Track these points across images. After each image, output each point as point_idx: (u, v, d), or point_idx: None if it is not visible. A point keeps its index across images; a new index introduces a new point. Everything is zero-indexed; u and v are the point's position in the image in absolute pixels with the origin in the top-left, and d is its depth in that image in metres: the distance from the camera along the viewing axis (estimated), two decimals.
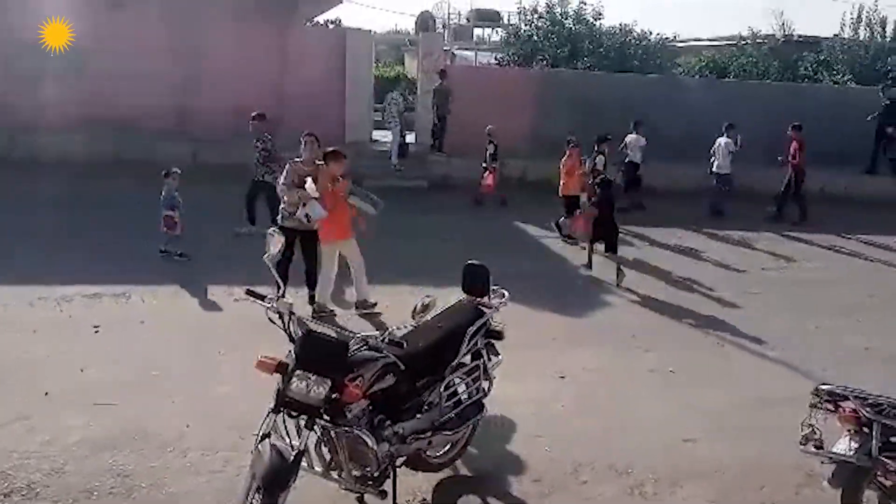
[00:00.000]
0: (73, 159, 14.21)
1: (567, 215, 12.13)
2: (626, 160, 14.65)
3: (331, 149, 7.93)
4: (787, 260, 11.83)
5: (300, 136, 8.27)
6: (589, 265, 10.39)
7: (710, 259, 11.62)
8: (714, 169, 14.69)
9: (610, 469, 5.37)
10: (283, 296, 4.44)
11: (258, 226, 10.63)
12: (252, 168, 11.21)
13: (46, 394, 5.98)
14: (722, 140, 14.56)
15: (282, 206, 8.14)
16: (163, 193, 10.12)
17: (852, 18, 29.13)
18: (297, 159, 8.10)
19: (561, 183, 12.43)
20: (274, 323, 4.29)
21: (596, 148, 12.39)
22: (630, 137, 14.65)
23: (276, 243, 4.59)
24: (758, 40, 27.48)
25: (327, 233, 8.02)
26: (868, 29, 28.90)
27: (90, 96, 15.27)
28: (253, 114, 11.32)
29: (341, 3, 18.92)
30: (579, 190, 11.95)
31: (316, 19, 22.89)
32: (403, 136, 16.85)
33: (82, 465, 5.01)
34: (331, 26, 26.10)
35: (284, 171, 8.08)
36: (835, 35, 27.72)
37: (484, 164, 14.53)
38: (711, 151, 14.71)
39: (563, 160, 12.50)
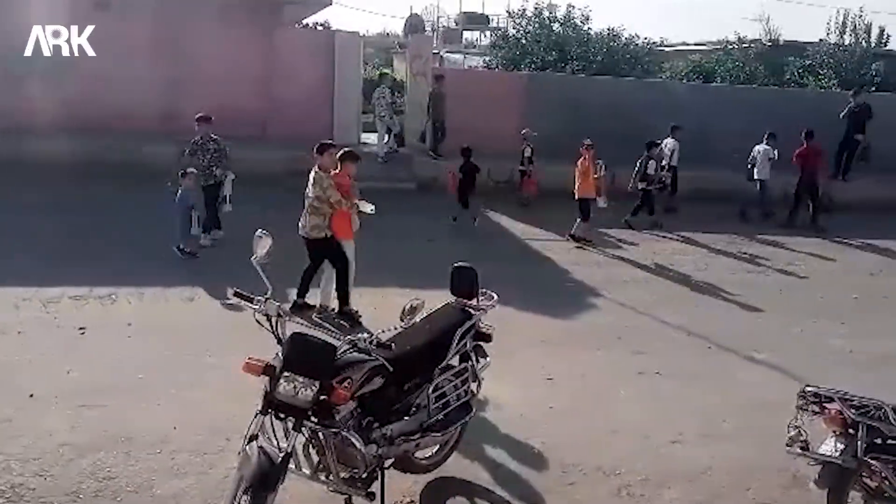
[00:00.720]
0: (58, 161, 14.06)
1: (583, 219, 12.15)
2: (667, 164, 14.62)
3: (347, 149, 8.27)
4: (772, 263, 11.89)
5: (314, 147, 8.13)
6: None
7: (698, 262, 11.67)
8: (756, 176, 14.74)
9: (598, 470, 5.38)
10: (270, 297, 4.43)
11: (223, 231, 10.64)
12: (202, 173, 10.54)
13: (31, 396, 5.94)
14: (760, 147, 14.68)
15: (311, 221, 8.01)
16: (178, 193, 10.07)
17: (838, 24, 29.29)
18: (319, 171, 7.98)
19: (576, 185, 12.22)
20: (261, 325, 4.27)
21: (647, 153, 12.99)
22: (669, 141, 14.70)
23: (263, 245, 4.57)
24: (744, 45, 27.64)
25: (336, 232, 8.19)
26: (853, 34, 29.08)
27: (75, 98, 15.13)
28: (198, 115, 10.89)
29: (330, 4, 18.82)
30: (594, 193, 12.02)
31: (305, 21, 22.84)
32: (397, 128, 16.87)
33: (67, 467, 4.98)
34: (319, 28, 26.04)
35: (324, 187, 7.86)
36: (820, 40, 27.88)
37: (521, 168, 14.71)
38: (750, 159, 14.80)
39: (578, 161, 12.33)
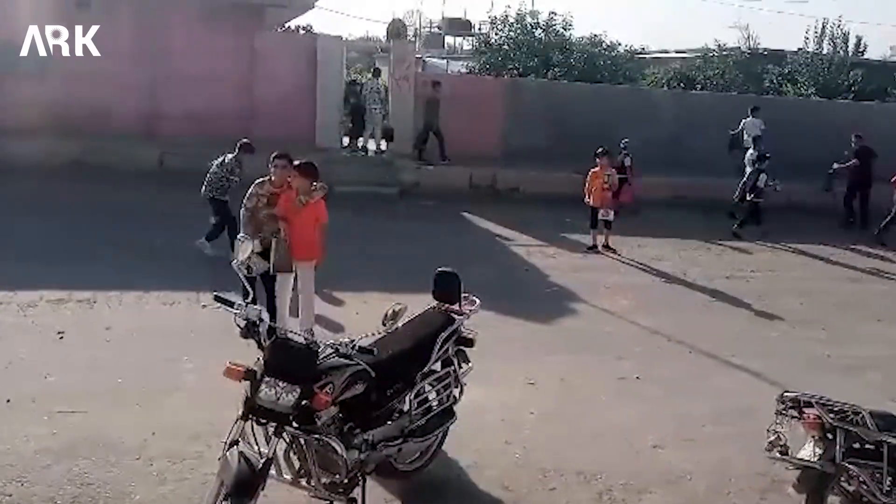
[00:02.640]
0: (38, 163, 13.95)
1: (592, 227, 12.16)
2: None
3: (303, 161, 7.42)
4: (751, 268, 11.99)
5: (270, 157, 7.68)
6: None
7: (676, 268, 11.73)
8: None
9: (579, 476, 5.39)
10: (252, 302, 4.40)
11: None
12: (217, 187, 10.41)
13: (8, 401, 5.85)
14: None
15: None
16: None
17: (816, 33, 29.71)
18: (261, 179, 7.57)
19: (590, 193, 12.03)
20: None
21: (757, 165, 13.51)
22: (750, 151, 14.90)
23: (244, 249, 4.55)
24: (724, 53, 27.92)
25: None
26: (831, 43, 29.49)
27: (55, 99, 15.02)
28: (243, 141, 10.51)
29: (312, 8, 18.82)
30: (599, 204, 11.91)
31: (287, 25, 22.79)
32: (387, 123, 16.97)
33: (45, 473, 4.91)
34: (302, 32, 25.97)
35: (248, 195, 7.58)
36: (799, 49, 28.24)
37: (622, 177, 14.05)
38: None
39: (592, 171, 12.11)
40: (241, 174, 10.16)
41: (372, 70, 17.20)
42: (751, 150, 14.78)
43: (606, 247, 12.21)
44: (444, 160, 16.38)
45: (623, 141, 14.75)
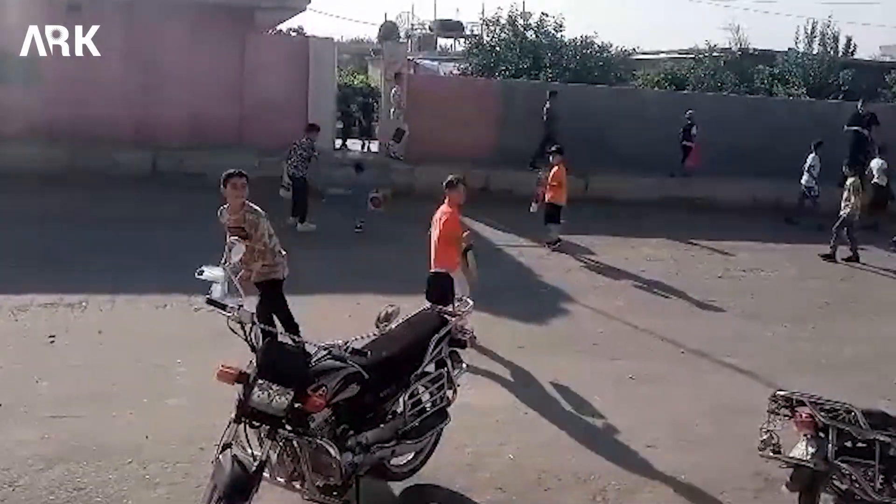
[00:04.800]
0: (27, 168, 13.88)
1: (547, 221, 12.22)
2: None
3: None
4: (743, 268, 12.01)
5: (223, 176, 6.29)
6: None
7: (668, 268, 11.76)
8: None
9: (573, 476, 5.40)
10: (244, 305, 4.40)
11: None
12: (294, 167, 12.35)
13: (0, 406, 5.83)
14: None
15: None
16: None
17: (806, 33, 29.86)
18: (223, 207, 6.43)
19: (549, 193, 12.06)
20: (235, 332, 4.24)
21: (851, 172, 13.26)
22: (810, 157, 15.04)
23: (236, 252, 4.56)
24: (714, 53, 28.01)
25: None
26: (821, 43, 29.63)
27: (46, 104, 14.96)
28: (309, 124, 12.91)
29: (304, 11, 18.78)
30: (558, 199, 11.97)
31: (279, 27, 22.76)
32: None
33: (37, 478, 4.90)
34: (294, 35, 25.97)
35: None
36: (789, 49, 28.36)
37: (686, 143, 16.56)
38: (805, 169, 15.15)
39: (553, 169, 12.18)
40: (318, 150, 12.64)
41: (395, 74, 17.08)
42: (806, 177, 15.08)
43: (557, 243, 12.25)
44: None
45: (688, 112, 16.52)
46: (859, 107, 16.72)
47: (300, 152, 12.28)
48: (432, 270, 5.25)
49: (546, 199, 12.13)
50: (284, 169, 12.40)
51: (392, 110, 16.71)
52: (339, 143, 18.14)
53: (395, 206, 14.64)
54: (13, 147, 14.37)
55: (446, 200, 7.48)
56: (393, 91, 16.69)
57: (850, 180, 12.80)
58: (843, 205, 12.67)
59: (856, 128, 16.32)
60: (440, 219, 7.33)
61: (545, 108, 16.32)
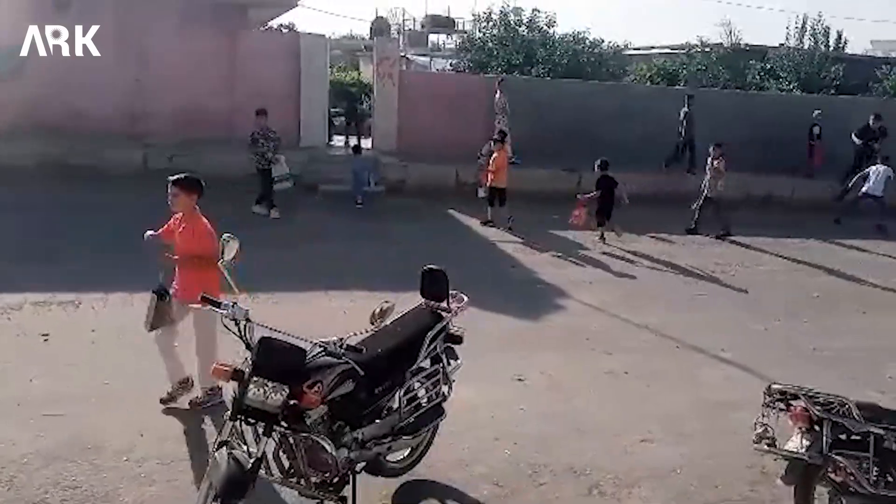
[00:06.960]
0: (19, 163, 13.81)
1: (490, 205, 13.35)
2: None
3: (181, 176, 6.12)
4: (736, 263, 12.05)
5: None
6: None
7: (661, 263, 11.80)
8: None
9: (568, 471, 5.41)
10: (238, 302, 4.38)
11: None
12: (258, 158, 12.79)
13: None
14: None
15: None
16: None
17: (797, 28, 29.91)
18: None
19: (490, 177, 13.26)
20: (230, 330, 4.23)
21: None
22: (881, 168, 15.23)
23: (231, 249, 4.54)
24: (706, 48, 28.05)
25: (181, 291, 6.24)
26: (812, 38, 29.71)
27: (36, 100, 14.87)
28: (257, 109, 12.82)
29: (295, 7, 18.74)
30: (499, 183, 13.11)
31: (270, 24, 22.69)
32: None
33: (32, 476, 4.88)
34: (285, 31, 25.89)
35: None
36: (780, 44, 28.43)
37: (811, 143, 17.20)
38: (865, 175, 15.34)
39: (493, 157, 13.31)
40: (274, 135, 12.75)
41: (497, 83, 16.74)
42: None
43: (489, 223, 13.38)
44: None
45: (816, 112, 17.22)
46: (871, 122, 16.97)
47: (272, 142, 12.67)
48: (428, 267, 5.23)
49: (489, 184, 13.36)
50: (277, 162, 12.75)
51: (500, 118, 16.43)
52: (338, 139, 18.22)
53: (387, 203, 14.68)
54: (2, 143, 14.29)
55: None
56: (497, 97, 16.47)
57: None
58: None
59: (865, 140, 16.86)
60: None
61: (683, 112, 16.78)
